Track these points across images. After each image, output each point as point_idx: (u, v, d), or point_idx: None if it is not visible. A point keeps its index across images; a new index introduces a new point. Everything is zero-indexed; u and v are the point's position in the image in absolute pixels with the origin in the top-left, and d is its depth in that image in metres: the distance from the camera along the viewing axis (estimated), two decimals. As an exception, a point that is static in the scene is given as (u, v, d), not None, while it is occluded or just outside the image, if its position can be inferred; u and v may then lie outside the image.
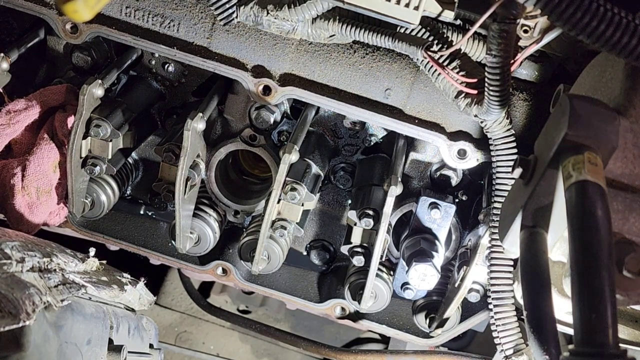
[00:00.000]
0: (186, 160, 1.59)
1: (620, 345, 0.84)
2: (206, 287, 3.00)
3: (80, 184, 1.70)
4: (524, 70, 1.54)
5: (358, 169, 1.83)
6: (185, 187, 1.64)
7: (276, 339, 2.75)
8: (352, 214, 1.67)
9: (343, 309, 1.86)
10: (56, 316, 1.18)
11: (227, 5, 1.44)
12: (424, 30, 1.41)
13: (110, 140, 1.64)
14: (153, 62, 1.77)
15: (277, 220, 1.68)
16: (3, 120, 1.61)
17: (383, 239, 1.63)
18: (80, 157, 1.65)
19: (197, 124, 1.57)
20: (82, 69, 1.76)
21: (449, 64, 1.41)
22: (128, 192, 1.97)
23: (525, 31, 1.32)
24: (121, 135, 1.66)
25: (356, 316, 1.87)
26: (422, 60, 1.43)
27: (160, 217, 1.95)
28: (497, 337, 1.52)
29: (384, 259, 1.75)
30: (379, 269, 1.73)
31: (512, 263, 1.50)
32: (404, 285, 1.78)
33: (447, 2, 1.33)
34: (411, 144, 1.74)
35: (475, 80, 1.40)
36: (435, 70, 1.42)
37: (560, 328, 1.06)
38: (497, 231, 1.49)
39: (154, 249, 1.89)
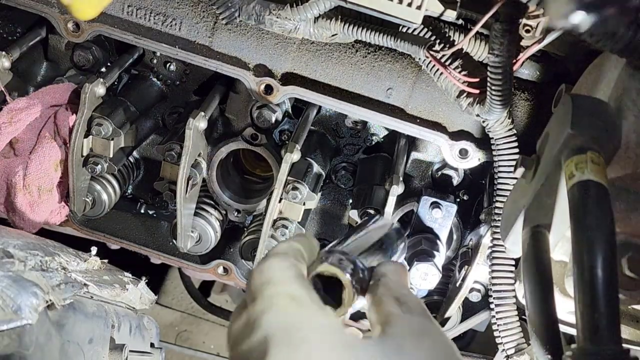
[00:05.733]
0: (188, 159, 1.59)
1: (623, 345, 0.84)
2: (207, 287, 3.00)
3: (81, 183, 1.70)
4: (525, 70, 1.54)
5: (359, 168, 1.83)
6: (187, 186, 1.64)
7: (276, 338, 2.74)
8: (353, 214, 1.67)
9: (344, 308, 1.86)
10: (58, 315, 1.18)
11: (230, 4, 1.44)
12: (426, 29, 1.41)
13: (112, 139, 1.64)
14: (155, 61, 1.77)
15: (278, 220, 1.68)
16: (4, 118, 1.60)
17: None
18: (82, 156, 1.65)
19: (198, 123, 1.57)
20: (83, 68, 1.76)
21: (451, 63, 1.41)
22: (129, 191, 1.97)
23: (527, 31, 1.32)
24: (122, 134, 1.66)
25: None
26: (424, 60, 1.43)
27: (162, 216, 1.95)
28: (499, 336, 1.52)
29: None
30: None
31: (513, 263, 1.50)
32: (405, 284, 1.78)
33: (450, 2, 1.33)
34: (413, 143, 1.74)
35: (477, 79, 1.40)
36: (438, 69, 1.42)
37: (562, 328, 1.06)
38: (498, 231, 1.49)
39: (155, 248, 1.88)
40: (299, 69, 1.58)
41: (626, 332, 1.24)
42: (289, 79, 1.57)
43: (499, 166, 1.50)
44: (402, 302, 0.84)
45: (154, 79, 1.79)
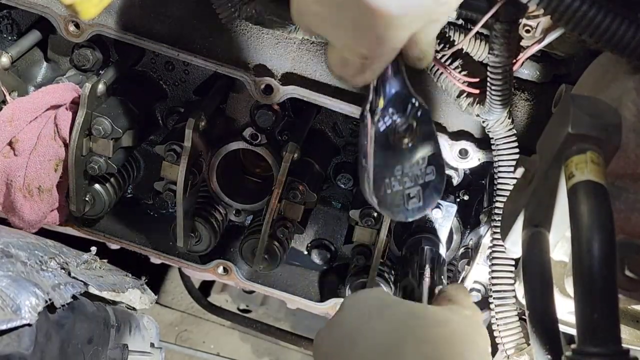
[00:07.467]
0: (187, 159, 1.59)
1: (623, 345, 0.84)
2: (207, 286, 3.01)
3: (81, 183, 1.70)
4: (525, 70, 1.54)
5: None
6: (187, 186, 1.64)
7: (277, 338, 2.75)
8: (353, 213, 1.67)
9: (344, 308, 1.86)
10: (58, 315, 1.18)
11: (229, 4, 1.44)
12: (426, 29, 1.41)
13: (112, 139, 1.64)
14: (155, 61, 1.77)
15: (278, 220, 1.68)
16: (4, 118, 1.61)
17: (384, 239, 1.63)
18: (82, 156, 1.65)
19: (198, 123, 1.57)
20: (83, 68, 1.76)
21: (451, 63, 1.41)
22: (129, 191, 1.97)
23: (527, 31, 1.32)
24: (122, 133, 1.66)
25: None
26: (424, 60, 1.43)
27: (162, 216, 1.95)
28: (499, 336, 1.52)
29: (385, 259, 1.75)
30: (380, 269, 1.73)
31: (513, 263, 1.50)
32: (405, 284, 1.78)
33: (450, 2, 1.33)
34: (413, 143, 1.73)
35: (477, 79, 1.40)
36: (438, 69, 1.42)
37: (561, 328, 1.06)
38: (498, 231, 1.49)
39: (155, 247, 1.88)
40: (299, 69, 1.57)
41: (626, 332, 1.24)
42: (289, 79, 1.57)
43: (499, 166, 1.50)
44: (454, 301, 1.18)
45: (154, 79, 1.79)
